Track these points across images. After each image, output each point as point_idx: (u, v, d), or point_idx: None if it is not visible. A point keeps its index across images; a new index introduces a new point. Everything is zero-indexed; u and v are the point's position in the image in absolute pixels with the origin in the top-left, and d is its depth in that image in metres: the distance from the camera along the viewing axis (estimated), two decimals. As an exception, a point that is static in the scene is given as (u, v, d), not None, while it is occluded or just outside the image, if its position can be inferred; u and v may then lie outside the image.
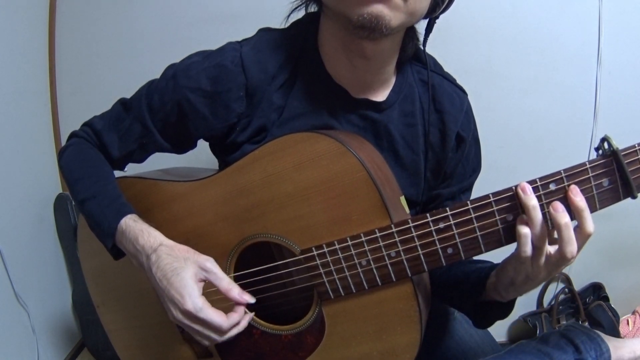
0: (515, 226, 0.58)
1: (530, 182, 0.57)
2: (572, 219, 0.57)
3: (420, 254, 0.63)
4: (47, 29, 1.40)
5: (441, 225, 0.61)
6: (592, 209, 0.57)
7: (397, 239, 0.63)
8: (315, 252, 0.67)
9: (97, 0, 1.39)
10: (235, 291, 0.67)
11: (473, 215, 0.60)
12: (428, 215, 0.61)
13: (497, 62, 1.38)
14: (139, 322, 0.87)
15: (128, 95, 0.81)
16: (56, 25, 1.41)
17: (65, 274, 1.51)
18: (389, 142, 0.77)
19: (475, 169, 0.85)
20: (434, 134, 0.78)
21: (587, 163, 0.56)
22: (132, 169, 0.85)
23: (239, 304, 0.67)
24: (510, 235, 0.59)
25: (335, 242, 0.65)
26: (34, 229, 1.38)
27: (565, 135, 1.43)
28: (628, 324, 1.52)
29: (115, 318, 0.91)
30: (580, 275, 1.57)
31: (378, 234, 0.63)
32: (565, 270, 1.56)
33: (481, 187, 0.78)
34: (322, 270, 0.67)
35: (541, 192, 0.57)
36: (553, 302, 1.58)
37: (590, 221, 0.56)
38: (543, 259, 0.58)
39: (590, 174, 0.56)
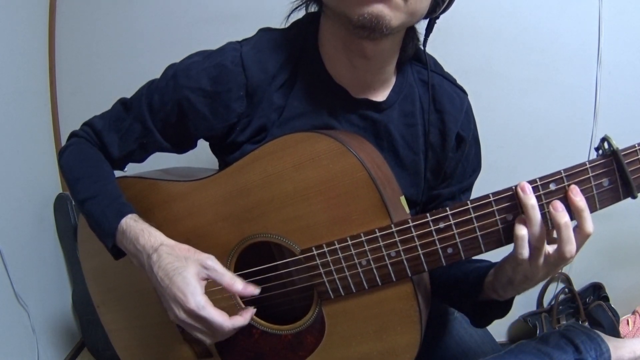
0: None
1: (531, 182, 0.57)
2: (571, 219, 0.57)
3: (420, 254, 0.63)
4: (47, 29, 1.40)
5: (441, 225, 0.61)
6: (592, 209, 0.57)
7: (397, 239, 0.63)
8: (315, 252, 0.67)
9: (97, 0, 1.39)
10: (238, 285, 0.67)
11: (473, 215, 0.60)
12: (428, 215, 0.61)
13: (497, 62, 1.38)
14: (139, 322, 0.87)
15: (128, 95, 0.81)
16: (56, 25, 1.41)
17: (65, 274, 1.51)
18: (389, 142, 0.77)
19: (475, 169, 0.85)
20: (434, 134, 0.78)
21: (587, 163, 0.56)
22: (132, 169, 0.85)
23: (244, 296, 0.67)
24: (510, 235, 0.59)
25: (336, 242, 0.65)
26: (34, 229, 1.38)
27: (565, 135, 1.43)
28: (628, 324, 1.52)
29: (115, 318, 0.91)
30: (580, 275, 1.57)
31: (378, 234, 0.63)
32: (565, 270, 1.56)
33: (481, 187, 0.78)
34: (322, 270, 0.67)
35: (541, 192, 0.57)
36: (553, 302, 1.58)
37: (589, 221, 0.56)
38: (542, 259, 0.58)
39: (590, 174, 0.56)
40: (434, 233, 0.62)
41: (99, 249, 0.76)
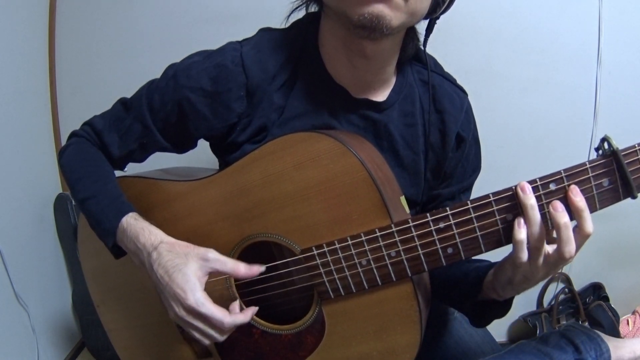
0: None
1: (531, 182, 0.57)
2: (571, 219, 0.57)
3: (421, 254, 0.63)
4: (47, 29, 1.40)
5: (441, 225, 0.61)
6: (592, 209, 0.57)
7: (397, 239, 0.63)
8: (315, 252, 0.67)
9: (97, 0, 1.39)
10: (242, 268, 0.67)
11: (473, 215, 0.60)
12: (428, 215, 0.61)
13: (497, 62, 1.38)
14: (139, 321, 0.87)
15: (128, 95, 0.81)
16: (56, 25, 1.41)
17: (65, 274, 1.51)
18: (389, 142, 0.77)
19: (475, 169, 0.85)
20: (434, 134, 0.78)
21: (587, 163, 0.56)
22: (132, 169, 0.85)
23: (250, 277, 0.67)
24: (510, 235, 0.59)
25: (336, 242, 0.65)
26: (34, 229, 1.38)
27: (565, 135, 1.43)
28: (628, 324, 1.52)
29: (115, 317, 0.91)
30: (580, 275, 1.57)
31: (378, 234, 0.63)
32: (565, 270, 1.56)
33: (481, 187, 0.78)
34: (322, 270, 0.67)
35: (541, 192, 0.57)
36: (553, 302, 1.58)
37: (589, 221, 0.56)
38: (541, 259, 0.58)
39: (590, 174, 0.56)
40: (434, 233, 0.62)
41: (99, 249, 0.76)
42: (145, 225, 0.70)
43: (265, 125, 0.75)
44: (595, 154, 0.58)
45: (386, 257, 0.64)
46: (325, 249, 0.66)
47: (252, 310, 0.70)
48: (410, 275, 0.64)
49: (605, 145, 0.56)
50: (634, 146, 0.55)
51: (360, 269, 0.65)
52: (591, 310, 1.53)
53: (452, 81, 0.82)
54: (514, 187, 0.58)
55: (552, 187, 0.57)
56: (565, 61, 1.38)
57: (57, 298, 1.46)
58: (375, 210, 0.64)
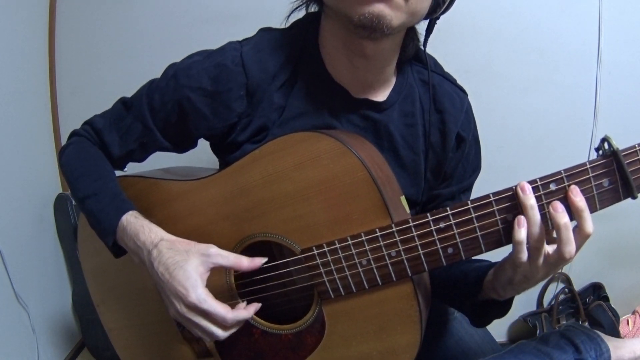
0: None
1: (531, 182, 0.57)
2: (571, 219, 0.57)
3: (421, 254, 0.63)
4: (47, 29, 1.40)
5: (441, 225, 0.61)
6: (592, 209, 0.57)
7: (397, 239, 0.63)
8: (315, 252, 0.67)
9: (97, 0, 1.39)
10: (245, 262, 0.67)
11: (473, 215, 0.60)
12: (428, 215, 0.61)
13: (497, 62, 1.38)
14: (139, 321, 0.87)
15: (128, 95, 0.81)
16: (56, 25, 1.41)
17: (65, 274, 1.51)
18: (389, 142, 0.77)
19: (475, 169, 0.85)
20: (434, 134, 0.78)
21: (587, 163, 0.56)
22: (132, 168, 0.85)
23: (254, 269, 0.68)
24: (510, 235, 0.59)
25: (336, 242, 0.65)
26: (34, 229, 1.38)
27: (565, 135, 1.43)
28: (628, 324, 1.53)
29: (115, 317, 0.91)
30: (580, 275, 1.57)
31: (378, 234, 0.63)
32: (565, 270, 1.56)
33: (481, 187, 0.78)
34: (322, 270, 0.67)
35: (541, 192, 0.57)
36: (553, 302, 1.58)
37: (589, 222, 0.56)
38: (541, 259, 0.58)
39: (591, 174, 0.56)
40: (434, 233, 0.62)
41: (99, 248, 0.76)
42: (145, 223, 0.70)
43: (266, 125, 0.75)
44: (596, 154, 0.58)
45: (386, 257, 0.64)
46: (326, 248, 0.66)
47: (255, 306, 0.70)
48: (410, 275, 0.64)
49: (606, 145, 0.56)
50: (634, 146, 0.55)
51: (360, 269, 0.65)
52: (591, 310, 1.53)
53: (452, 81, 0.82)
54: (514, 187, 0.58)
55: (553, 187, 0.57)
56: (565, 61, 1.38)
57: (57, 298, 1.46)
58: (376, 210, 0.64)
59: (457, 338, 0.88)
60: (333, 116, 0.75)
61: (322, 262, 0.67)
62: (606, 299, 1.56)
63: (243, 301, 0.73)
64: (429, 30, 0.74)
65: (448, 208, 0.61)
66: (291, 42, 0.75)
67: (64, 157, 0.80)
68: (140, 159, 0.83)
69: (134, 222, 0.70)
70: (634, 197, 0.56)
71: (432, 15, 0.70)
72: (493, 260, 0.71)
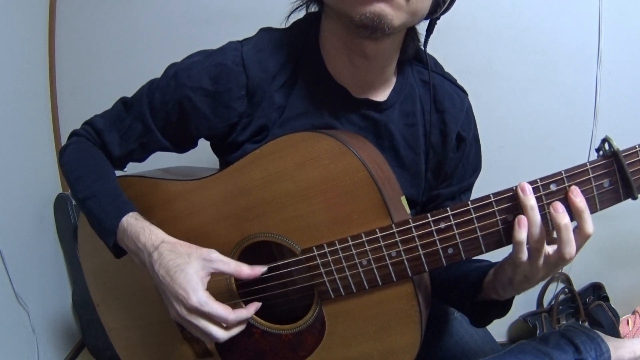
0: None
1: (531, 183, 0.57)
2: (571, 219, 0.57)
3: (421, 254, 0.63)
4: (47, 29, 1.40)
5: (442, 225, 0.61)
6: (593, 210, 0.57)
7: (397, 239, 0.63)
8: (316, 252, 0.67)
9: (97, 0, 1.39)
10: (245, 269, 0.67)
11: (474, 216, 0.60)
12: (429, 215, 0.61)
13: (497, 62, 1.38)
14: (139, 321, 0.87)
15: (128, 95, 0.81)
16: (56, 25, 1.41)
17: (65, 274, 1.51)
18: (389, 142, 0.77)
19: (476, 169, 0.85)
20: (434, 134, 0.78)
21: (587, 164, 0.56)
22: (132, 168, 0.85)
23: (254, 277, 0.68)
24: (510, 235, 0.59)
25: (336, 242, 0.65)
26: (34, 229, 1.38)
27: (565, 135, 1.43)
28: (628, 324, 1.53)
29: (115, 317, 0.91)
30: (580, 275, 1.57)
31: (379, 234, 0.63)
32: (565, 270, 1.56)
33: (481, 187, 0.78)
34: (322, 270, 0.67)
35: (542, 193, 0.57)
36: (553, 302, 1.58)
37: (590, 222, 0.56)
38: (541, 260, 0.58)
39: (591, 175, 0.56)
40: (434, 233, 0.62)
41: (100, 248, 0.76)
42: (145, 225, 0.70)
43: (266, 125, 0.75)
44: (596, 154, 0.58)
45: (387, 257, 0.64)
46: (326, 249, 0.66)
47: (255, 305, 0.70)
48: (410, 275, 0.64)
49: (606, 145, 0.56)
50: (634, 147, 0.55)
51: (360, 269, 0.65)
52: (591, 310, 1.53)
53: (452, 81, 0.82)
54: (514, 188, 0.58)
55: (553, 187, 0.57)
56: (565, 61, 1.38)
57: (57, 298, 1.46)
58: (376, 210, 0.64)
59: (457, 338, 0.88)
60: (333, 116, 0.75)
61: (323, 262, 0.67)
62: (606, 299, 1.56)
63: (243, 300, 0.73)
64: (430, 31, 0.74)
65: (448, 208, 0.61)
66: (292, 42, 0.75)
67: (64, 157, 0.80)
68: (141, 158, 0.83)
69: (134, 223, 0.70)
70: (635, 198, 0.56)
71: (433, 16, 0.70)
72: (493, 260, 0.71)
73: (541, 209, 0.57)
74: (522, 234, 0.57)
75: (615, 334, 1.45)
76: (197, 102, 0.73)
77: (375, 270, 0.65)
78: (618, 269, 1.56)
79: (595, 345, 0.71)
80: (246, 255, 0.73)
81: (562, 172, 0.57)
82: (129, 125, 0.78)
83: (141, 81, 0.80)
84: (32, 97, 1.38)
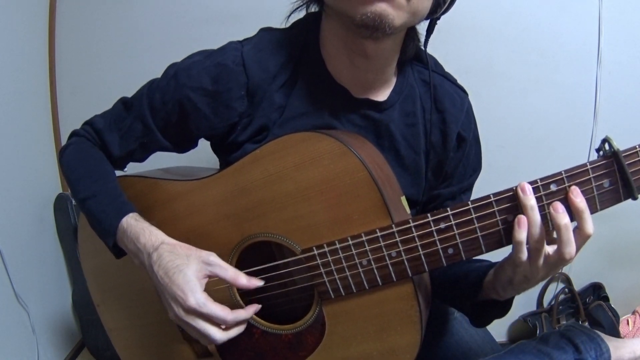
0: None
1: (531, 183, 0.57)
2: (572, 219, 0.57)
3: (421, 254, 0.63)
4: (47, 29, 1.40)
5: (442, 225, 0.61)
6: (593, 210, 0.57)
7: (397, 239, 0.63)
8: (316, 252, 0.67)
9: (97, 0, 1.39)
10: (242, 278, 0.67)
11: (474, 216, 0.60)
12: (429, 215, 0.61)
13: (497, 62, 1.38)
14: (139, 321, 0.87)
15: (128, 95, 0.81)
16: (56, 25, 1.41)
17: (65, 274, 1.51)
18: (390, 142, 0.77)
19: (476, 169, 0.85)
20: (435, 133, 0.78)
21: (588, 164, 0.56)
22: (132, 168, 0.85)
23: (249, 288, 0.67)
24: (510, 236, 0.59)
25: (336, 242, 0.65)
26: (34, 229, 1.38)
27: (565, 135, 1.43)
28: (628, 324, 1.53)
29: (116, 317, 0.91)
30: (580, 275, 1.57)
31: (379, 234, 0.63)
32: (565, 270, 1.56)
33: (481, 187, 0.78)
34: (322, 270, 0.67)
35: (542, 193, 0.57)
36: (553, 302, 1.58)
37: (590, 223, 0.56)
38: (541, 260, 0.58)
39: (591, 175, 0.56)
40: (434, 233, 0.62)
41: (100, 248, 0.76)
42: (145, 226, 0.70)
43: (266, 125, 0.75)
44: (596, 154, 0.58)
45: (387, 257, 0.64)
46: (326, 249, 0.66)
47: (255, 307, 0.70)
48: (410, 275, 0.64)
49: (606, 146, 0.56)
50: (634, 147, 0.55)
51: (360, 269, 0.65)
52: (591, 310, 1.53)
53: (452, 81, 0.82)
54: (514, 188, 0.58)
55: (553, 187, 0.57)
56: (565, 61, 1.38)
57: (57, 298, 1.46)
58: (376, 210, 0.64)
59: (457, 338, 0.88)
60: (333, 116, 0.75)
61: (323, 262, 0.67)
62: (606, 299, 1.56)
63: (243, 300, 0.73)
64: (430, 30, 0.74)
65: (448, 208, 0.61)
66: (292, 42, 0.75)
67: (64, 158, 0.80)
68: (141, 159, 0.83)
69: (134, 224, 0.70)
70: (635, 198, 0.56)
71: (433, 15, 0.70)
72: (493, 260, 0.71)
73: (541, 209, 0.57)
74: (522, 233, 0.57)
75: (615, 334, 1.45)
76: (198, 102, 0.73)
77: (375, 270, 0.65)
78: (618, 269, 1.56)
79: (595, 345, 0.71)
80: (246, 255, 0.73)
81: (562, 172, 0.57)
82: (129, 125, 0.78)
83: (141, 81, 0.80)
84: (32, 97, 1.38)
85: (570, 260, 0.57)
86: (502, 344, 1.25)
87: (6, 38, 1.26)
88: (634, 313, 1.55)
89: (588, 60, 1.38)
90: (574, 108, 1.41)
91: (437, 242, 0.62)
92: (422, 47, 0.77)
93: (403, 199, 0.70)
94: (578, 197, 0.56)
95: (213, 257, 0.67)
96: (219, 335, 0.65)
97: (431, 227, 0.62)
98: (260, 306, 0.70)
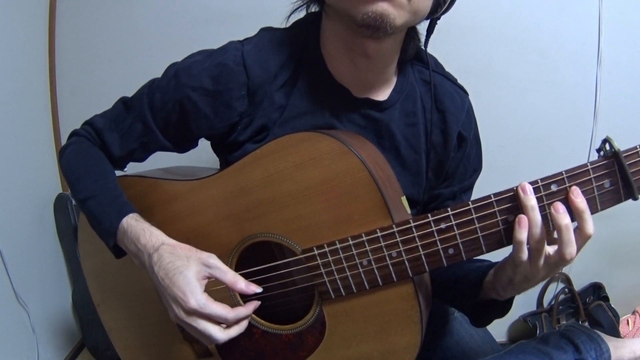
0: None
1: (532, 183, 0.57)
2: (572, 220, 0.57)
3: (422, 254, 0.63)
4: (47, 29, 1.40)
5: (442, 225, 0.61)
6: (594, 210, 0.57)
7: (398, 239, 0.63)
8: (316, 252, 0.67)
9: (97, 0, 1.39)
10: (241, 283, 0.67)
11: (474, 216, 0.60)
12: (429, 215, 0.61)
13: (497, 62, 1.38)
14: (139, 321, 0.87)
15: (128, 95, 0.81)
16: (56, 25, 1.41)
17: (65, 274, 1.51)
18: (390, 142, 0.77)
19: (476, 168, 0.85)
20: (435, 133, 0.78)
21: (588, 164, 0.56)
22: (132, 168, 0.85)
23: (247, 294, 0.67)
24: (511, 236, 0.59)
25: (337, 242, 0.65)
26: (34, 229, 1.38)
27: (565, 135, 1.43)
28: (628, 324, 1.53)
29: (116, 317, 0.91)
30: (580, 275, 1.57)
31: (379, 234, 0.63)
32: (565, 270, 1.56)
33: (482, 187, 0.78)
34: (323, 270, 0.67)
35: (542, 193, 0.57)
36: (553, 302, 1.58)
37: (590, 223, 0.56)
38: (542, 260, 0.58)
39: (592, 175, 0.56)
40: (435, 233, 0.62)
41: (100, 248, 0.76)
42: (146, 227, 0.70)
43: (267, 125, 0.75)
44: (597, 155, 0.58)
45: (387, 258, 0.64)
46: (326, 249, 0.66)
47: (254, 304, 0.70)
48: (411, 275, 0.64)
49: (607, 146, 0.56)
50: (635, 147, 0.55)
51: (361, 269, 0.65)
52: (591, 310, 1.53)
53: (452, 81, 0.82)
54: (515, 188, 0.58)
55: (554, 188, 0.57)
56: (565, 61, 1.38)
57: (57, 298, 1.46)
58: (377, 210, 0.64)
59: (457, 338, 0.88)
60: (334, 116, 0.75)
61: (323, 262, 0.67)
62: (606, 299, 1.56)
63: (244, 300, 0.73)
64: (430, 30, 0.74)
65: (449, 209, 0.61)
66: (292, 42, 0.75)
67: (64, 158, 0.80)
68: (141, 158, 0.83)
69: (134, 225, 0.70)
70: (635, 199, 0.56)
71: (433, 15, 0.70)
72: (493, 260, 0.71)
73: (542, 209, 0.57)
74: (522, 233, 0.57)
75: (615, 334, 1.45)
76: (198, 101, 0.73)
77: (375, 270, 0.65)
78: (618, 269, 1.56)
79: (596, 345, 0.71)
80: (246, 255, 0.73)
81: (563, 172, 0.57)
82: (130, 125, 0.78)
83: (141, 81, 0.80)
84: (32, 97, 1.38)
85: (571, 261, 0.57)
86: (502, 344, 1.25)
87: (6, 38, 1.25)
88: (634, 313, 1.55)
89: (588, 60, 1.38)
90: (574, 108, 1.41)
91: (438, 242, 0.62)
92: (423, 47, 0.77)
93: (403, 199, 0.70)
94: (579, 198, 0.56)
95: (213, 260, 0.67)
96: (220, 334, 0.65)
97: (432, 227, 0.62)
98: (259, 303, 0.70)
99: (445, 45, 0.99)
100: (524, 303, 1.58)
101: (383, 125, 0.76)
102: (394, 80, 0.77)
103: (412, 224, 0.62)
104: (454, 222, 0.61)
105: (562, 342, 0.73)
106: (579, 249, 0.57)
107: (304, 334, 0.72)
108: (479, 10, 1.34)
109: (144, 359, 0.90)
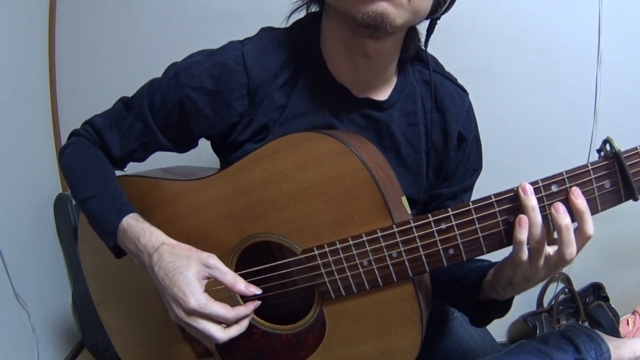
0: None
1: (532, 183, 0.57)
2: (572, 220, 0.57)
3: (422, 255, 0.63)
4: (47, 29, 1.40)
5: (443, 225, 0.61)
6: (594, 211, 0.57)
7: (398, 240, 0.63)
8: (316, 252, 0.67)
9: (97, 0, 1.39)
10: (241, 284, 0.67)
11: (475, 216, 0.60)
12: (430, 215, 0.61)
13: (497, 62, 1.38)
14: (139, 321, 0.87)
15: (128, 95, 0.81)
16: (56, 25, 1.41)
17: (65, 274, 1.51)
18: (390, 142, 0.77)
19: (477, 168, 0.85)
20: (436, 133, 0.78)
21: (589, 164, 0.56)
22: (133, 168, 0.85)
23: (246, 295, 0.67)
24: (511, 236, 0.59)
25: (337, 242, 0.65)
26: (34, 229, 1.38)
27: (565, 135, 1.43)
28: (628, 324, 1.53)
29: (116, 317, 0.91)
30: (580, 275, 1.57)
31: (379, 234, 0.63)
32: (565, 270, 1.56)
33: (482, 187, 0.79)
34: (323, 270, 0.67)
35: (543, 194, 0.57)
36: (553, 302, 1.58)
37: (590, 224, 0.56)
38: (542, 260, 0.58)
39: (592, 176, 0.56)
40: (435, 234, 0.62)
41: (100, 248, 0.76)
42: (146, 227, 0.70)
43: (267, 125, 0.75)
44: (597, 155, 0.58)
45: (387, 258, 0.64)
46: (327, 249, 0.66)
47: (254, 303, 0.70)
48: (411, 276, 0.64)
49: (607, 146, 0.56)
50: (635, 148, 0.55)
51: (361, 270, 0.65)
52: (591, 310, 1.53)
53: (453, 80, 0.82)
54: (515, 189, 0.58)
55: (554, 188, 0.57)
56: (565, 61, 1.38)
57: (57, 298, 1.46)
58: (377, 210, 0.64)
59: (457, 338, 0.88)
60: (334, 116, 0.75)
61: (323, 262, 0.67)
62: (606, 299, 1.56)
63: (244, 300, 0.73)
64: (430, 30, 0.74)
65: (449, 209, 0.61)
66: (292, 42, 0.75)
67: (64, 158, 0.80)
68: (141, 158, 0.83)
69: (134, 225, 0.70)
70: (635, 199, 0.56)
71: (433, 15, 0.70)
72: (494, 260, 0.71)
73: (542, 209, 0.57)
74: (522, 233, 0.57)
75: (615, 334, 1.45)
76: (198, 101, 0.73)
77: (376, 270, 0.65)
78: (618, 269, 1.56)
79: (596, 345, 0.71)
80: (246, 255, 0.73)
81: (563, 172, 0.57)
82: (130, 125, 0.78)
83: (141, 81, 0.80)
84: (32, 97, 1.38)
85: (571, 261, 0.57)
86: (502, 344, 1.25)
87: (6, 38, 1.25)
88: (634, 313, 1.55)
89: (588, 60, 1.38)
90: (574, 108, 1.41)
91: (438, 243, 0.62)
92: (423, 47, 0.77)
93: (404, 199, 0.70)
94: (579, 198, 0.56)
95: (213, 260, 0.67)
96: (221, 334, 0.65)
97: (432, 228, 0.62)
98: (259, 302, 0.70)
99: (445, 45, 0.99)
100: (524, 303, 1.58)
101: (383, 125, 0.76)
102: (394, 80, 0.77)
103: (413, 224, 0.62)
104: (454, 223, 0.61)
105: (562, 342, 0.73)
106: (579, 250, 0.57)
107: (304, 334, 0.72)
108: (479, 10, 1.34)
109: (143, 359, 0.90)
